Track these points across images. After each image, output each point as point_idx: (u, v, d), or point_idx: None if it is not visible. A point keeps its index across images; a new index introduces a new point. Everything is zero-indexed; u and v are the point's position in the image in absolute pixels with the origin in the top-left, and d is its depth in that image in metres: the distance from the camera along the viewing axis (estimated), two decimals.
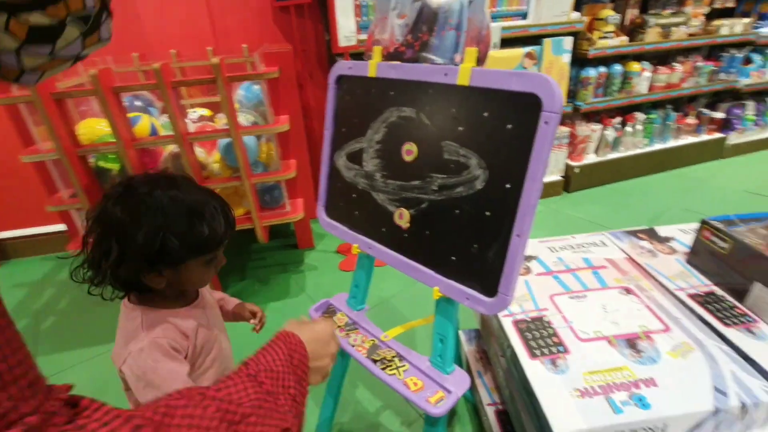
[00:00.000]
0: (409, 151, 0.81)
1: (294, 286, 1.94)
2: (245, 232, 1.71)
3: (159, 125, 1.66)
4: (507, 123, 0.65)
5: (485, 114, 0.67)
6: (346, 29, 1.64)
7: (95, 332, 1.75)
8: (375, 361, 0.88)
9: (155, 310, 0.68)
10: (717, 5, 2.66)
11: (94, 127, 1.55)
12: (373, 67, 0.85)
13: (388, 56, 0.84)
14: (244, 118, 1.62)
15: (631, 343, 0.85)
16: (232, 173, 1.64)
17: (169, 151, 1.59)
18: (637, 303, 0.95)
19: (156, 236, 0.59)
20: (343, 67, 0.92)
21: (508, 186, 0.66)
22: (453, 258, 0.76)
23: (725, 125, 2.97)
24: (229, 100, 1.39)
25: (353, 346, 0.93)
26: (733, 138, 2.96)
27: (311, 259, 2.15)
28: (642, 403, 0.73)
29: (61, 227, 2.36)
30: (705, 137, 2.91)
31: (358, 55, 1.98)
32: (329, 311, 1.04)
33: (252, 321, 0.93)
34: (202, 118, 1.89)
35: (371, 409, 1.33)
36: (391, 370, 0.86)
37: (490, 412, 1.10)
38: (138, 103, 1.87)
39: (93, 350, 1.66)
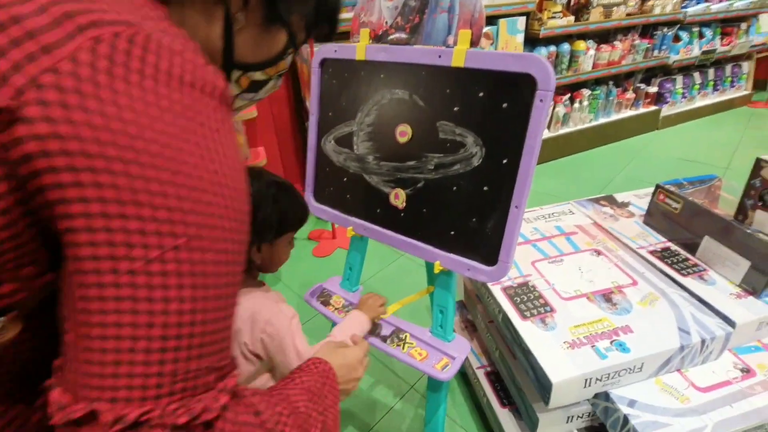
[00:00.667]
0: (403, 133, 0.83)
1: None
2: None
3: None
4: (503, 102, 0.69)
5: (481, 94, 0.71)
6: None
7: None
8: (380, 338, 0.91)
9: (269, 290, 0.76)
10: None
11: None
12: (362, 49, 0.85)
13: (376, 39, 0.85)
14: None
15: (607, 297, 0.95)
16: None
17: None
18: (607, 262, 1.06)
19: (275, 210, 0.68)
20: (328, 50, 0.91)
21: (505, 161, 0.70)
22: (452, 233, 0.81)
23: (658, 98, 3.25)
24: None
25: None
26: (666, 110, 3.25)
27: None
28: (622, 347, 0.83)
29: None
30: (642, 110, 3.17)
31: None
32: (324, 295, 1.05)
33: None
34: None
35: (364, 386, 1.37)
36: (395, 343, 0.90)
37: (480, 374, 1.18)
38: None
39: None
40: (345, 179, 0.96)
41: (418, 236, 0.86)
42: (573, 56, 2.69)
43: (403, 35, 0.81)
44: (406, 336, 0.91)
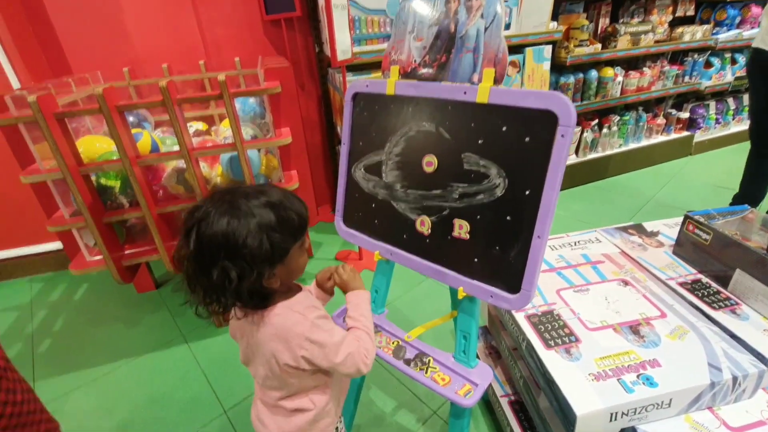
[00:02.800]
0: (430, 163, 0.87)
1: None
2: None
3: (159, 141, 1.66)
4: (525, 136, 0.72)
5: (504, 128, 0.75)
6: (343, 44, 1.70)
7: (96, 352, 1.73)
8: (404, 361, 0.93)
9: (288, 302, 0.72)
10: (679, 13, 2.86)
11: (93, 145, 1.54)
12: (392, 85, 0.91)
13: (405, 75, 0.90)
14: (244, 132, 1.65)
15: (634, 329, 0.94)
16: None
17: (173, 166, 1.60)
18: (635, 293, 1.05)
19: (261, 239, 0.63)
20: (360, 85, 0.98)
21: (527, 193, 0.73)
22: (476, 260, 0.83)
23: (691, 124, 3.18)
24: (235, 115, 1.42)
25: (379, 347, 0.98)
26: (699, 136, 3.18)
27: (310, 267, 2.18)
28: (649, 382, 0.81)
29: (47, 247, 2.31)
30: (674, 136, 3.11)
31: (353, 67, 2.04)
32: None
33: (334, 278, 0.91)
34: (198, 132, 1.90)
35: (386, 409, 1.37)
36: (419, 367, 0.91)
37: (504, 403, 1.17)
38: (131, 118, 1.87)
39: (97, 371, 1.64)
40: (373, 205, 1.00)
41: (442, 262, 0.89)
42: (601, 82, 2.69)
43: (431, 71, 0.86)
44: (429, 360, 0.93)
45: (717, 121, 3.25)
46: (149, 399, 1.49)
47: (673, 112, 3.12)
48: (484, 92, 0.76)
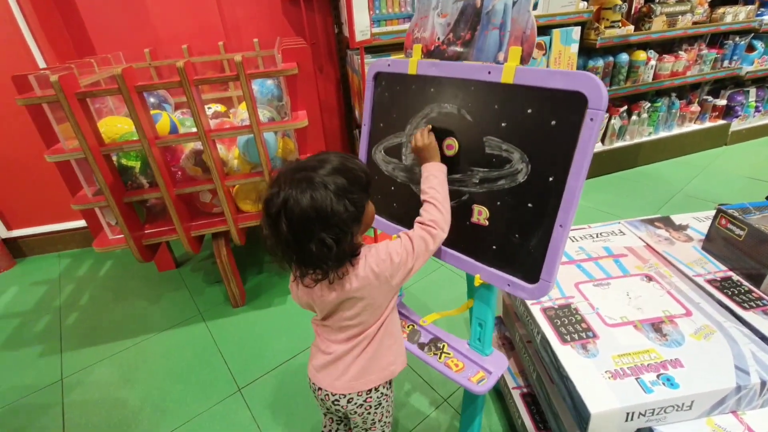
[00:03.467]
0: (450, 146, 0.84)
1: None
2: None
3: (177, 122, 1.67)
4: (551, 119, 0.68)
5: (529, 111, 0.71)
6: (361, 24, 1.66)
7: (119, 327, 1.79)
8: (418, 345, 0.92)
9: (364, 249, 0.76)
10: None
11: (114, 125, 1.56)
12: (414, 64, 0.87)
13: (428, 54, 0.87)
14: (261, 114, 1.64)
15: (656, 327, 0.90)
16: (251, 169, 1.66)
17: (191, 148, 1.61)
18: (659, 289, 1.00)
19: (344, 203, 0.67)
20: (382, 64, 0.94)
21: (551, 179, 0.70)
22: (494, 247, 0.80)
23: (728, 112, 3.01)
24: (252, 97, 1.41)
25: None
26: (736, 125, 3.01)
27: None
28: (670, 382, 0.78)
29: (76, 224, 2.39)
30: (709, 124, 2.96)
31: (372, 49, 2.00)
32: None
33: None
34: (216, 114, 1.90)
35: (398, 392, 1.38)
36: (432, 352, 0.90)
37: (515, 395, 1.15)
38: (152, 99, 1.88)
39: (119, 345, 1.69)
40: (392, 188, 0.98)
41: (460, 248, 0.87)
42: (632, 67, 2.56)
43: (455, 49, 0.82)
44: (443, 345, 0.92)
45: (757, 109, 3.07)
46: (167, 374, 1.53)
47: (709, 99, 2.96)
48: (509, 72, 0.72)
